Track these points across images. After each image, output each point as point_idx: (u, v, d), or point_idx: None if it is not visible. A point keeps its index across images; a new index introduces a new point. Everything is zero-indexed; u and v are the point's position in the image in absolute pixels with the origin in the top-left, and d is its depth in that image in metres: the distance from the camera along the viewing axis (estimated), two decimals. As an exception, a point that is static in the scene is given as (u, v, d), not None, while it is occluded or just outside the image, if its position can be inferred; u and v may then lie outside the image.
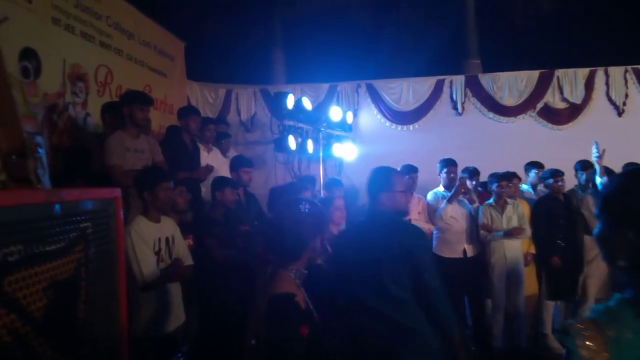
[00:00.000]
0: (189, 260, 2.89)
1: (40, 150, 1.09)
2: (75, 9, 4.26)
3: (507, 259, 4.27)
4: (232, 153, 5.28)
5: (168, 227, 2.83)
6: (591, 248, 4.42)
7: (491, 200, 4.45)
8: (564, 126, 6.29)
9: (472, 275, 4.43)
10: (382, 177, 2.38)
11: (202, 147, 4.45)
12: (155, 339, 2.55)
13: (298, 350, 1.37)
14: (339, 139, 6.16)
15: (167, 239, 2.78)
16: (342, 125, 6.15)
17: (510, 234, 4.23)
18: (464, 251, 4.44)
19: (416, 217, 4.52)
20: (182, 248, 2.90)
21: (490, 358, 4.29)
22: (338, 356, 1.64)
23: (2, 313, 0.68)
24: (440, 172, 4.69)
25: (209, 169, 4.00)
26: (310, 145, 5.41)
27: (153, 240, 2.67)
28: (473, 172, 4.93)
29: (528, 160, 5.20)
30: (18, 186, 1.15)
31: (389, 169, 2.46)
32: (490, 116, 6.39)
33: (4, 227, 0.70)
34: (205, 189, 4.11)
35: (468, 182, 4.82)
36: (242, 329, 1.81)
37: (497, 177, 4.43)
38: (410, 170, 4.72)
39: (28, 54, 3.63)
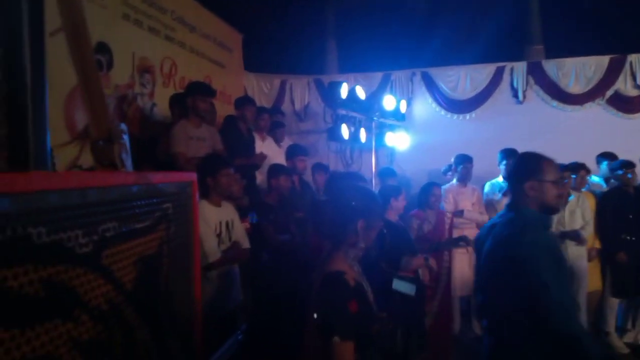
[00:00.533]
0: (246, 244, 3.03)
1: (124, 136, 1.20)
2: (143, 4, 4.51)
3: (568, 253, 4.09)
4: (286, 142, 5.40)
5: (228, 211, 2.98)
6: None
7: None
8: (637, 115, 5.87)
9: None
10: (530, 163, 2.00)
11: (257, 136, 4.58)
12: (216, 316, 2.71)
13: (344, 324, 1.43)
14: (391, 128, 6.12)
15: (227, 223, 2.93)
16: (396, 114, 6.09)
17: (566, 236, 4.04)
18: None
19: (469, 207, 4.43)
20: (241, 232, 3.04)
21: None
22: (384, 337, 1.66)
23: (101, 283, 0.78)
24: (500, 163, 4.55)
25: (263, 156, 4.13)
26: (363, 135, 5.42)
27: (214, 223, 2.82)
28: None
29: (595, 152, 4.93)
30: (104, 169, 1.29)
31: (539, 155, 2.04)
32: (554, 105, 6.08)
33: (102, 205, 0.79)
34: (261, 177, 4.25)
35: None
36: (293, 311, 1.91)
37: (561, 168, 4.22)
38: (464, 160, 4.61)
39: (101, 48, 3.89)
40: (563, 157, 4.68)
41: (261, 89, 6.85)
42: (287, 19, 7.81)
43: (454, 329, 4.41)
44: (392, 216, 3.23)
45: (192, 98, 3.59)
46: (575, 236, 4.05)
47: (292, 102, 6.79)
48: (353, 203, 1.62)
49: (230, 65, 6.33)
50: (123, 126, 1.32)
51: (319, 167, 4.73)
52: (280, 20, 7.80)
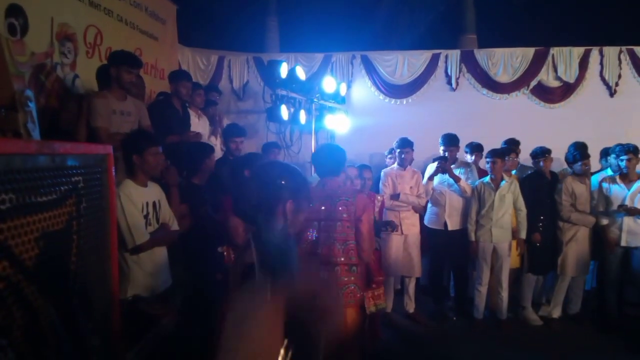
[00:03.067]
0: (175, 226, 2.91)
1: (30, 104, 1.07)
2: (63, -35, 4.11)
3: (493, 235, 4.35)
4: (225, 121, 5.25)
5: (155, 191, 2.84)
6: (568, 229, 4.50)
7: (487, 178, 4.48)
8: (557, 105, 6.32)
9: (456, 248, 4.54)
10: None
11: (192, 113, 4.40)
12: (145, 300, 2.59)
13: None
14: (331, 110, 6.13)
15: (154, 203, 2.79)
16: (336, 96, 6.11)
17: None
18: (445, 224, 4.57)
19: (407, 191, 4.55)
20: (168, 213, 2.91)
21: (471, 328, 4.44)
22: None
23: (-7, 259, 0.69)
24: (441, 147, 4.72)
25: (198, 135, 3.97)
26: (302, 116, 5.38)
27: (141, 203, 2.67)
28: (475, 148, 4.97)
29: (520, 138, 5.24)
30: (7, 139, 1.15)
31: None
32: (484, 92, 6.38)
33: (-4, 174, 0.70)
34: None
35: (468, 157, 4.90)
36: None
37: (492, 153, 4.46)
38: (405, 144, 4.69)
39: (14, 11, 3.51)
40: (492, 143, 4.99)
41: (197, 64, 6.57)
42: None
43: (387, 307, 4.56)
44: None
45: (116, 68, 3.32)
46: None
47: (230, 80, 6.59)
48: (281, 182, 1.46)
49: (163, 37, 5.98)
50: (29, 92, 1.18)
51: (271, 146, 4.63)
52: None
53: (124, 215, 2.52)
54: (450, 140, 4.67)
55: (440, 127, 5.93)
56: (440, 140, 4.75)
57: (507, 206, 4.36)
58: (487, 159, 4.42)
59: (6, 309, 0.71)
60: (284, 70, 5.00)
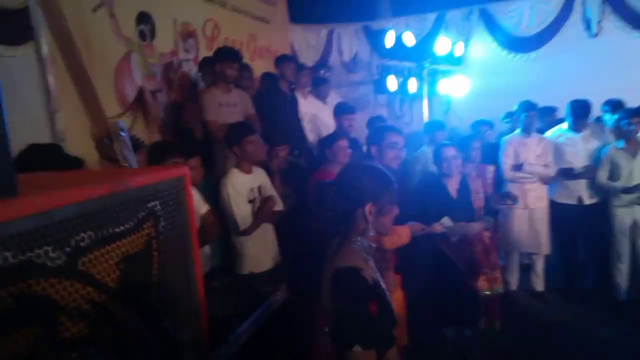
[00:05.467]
0: (279, 206, 3.11)
1: (122, 133, 1.25)
2: (180, -33, 4.49)
3: (634, 209, 3.75)
4: (334, 97, 5.31)
5: (259, 177, 3.08)
6: None
7: (621, 143, 3.85)
8: None
9: (590, 225, 4.02)
10: None
11: (298, 95, 4.54)
12: (258, 276, 2.87)
13: (365, 330, 1.27)
14: (446, 73, 5.77)
15: (259, 188, 3.02)
16: (450, 58, 5.72)
17: (630, 191, 3.67)
18: (580, 198, 4.05)
19: (532, 160, 4.10)
20: (273, 194, 3.12)
21: (611, 311, 3.95)
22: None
23: (79, 287, 0.85)
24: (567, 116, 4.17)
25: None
26: (412, 85, 5.18)
27: (247, 190, 2.93)
28: (616, 106, 4.29)
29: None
30: (109, 164, 1.37)
31: None
32: (635, 36, 5.35)
33: (74, 220, 0.85)
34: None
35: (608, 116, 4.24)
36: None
37: (628, 112, 3.79)
38: (527, 107, 4.17)
39: (143, 18, 3.98)
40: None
41: (308, 41, 6.70)
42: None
43: (511, 285, 4.30)
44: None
45: (220, 64, 3.61)
46: None
47: (340, 53, 6.59)
48: (359, 184, 1.43)
49: (274, 19, 6.21)
50: (122, 124, 1.37)
51: (375, 121, 4.53)
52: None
53: (230, 203, 2.83)
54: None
55: (576, 81, 5.21)
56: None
57: None
58: (625, 120, 3.77)
59: (94, 324, 0.88)
60: (389, 40, 4.85)
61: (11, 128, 2.37)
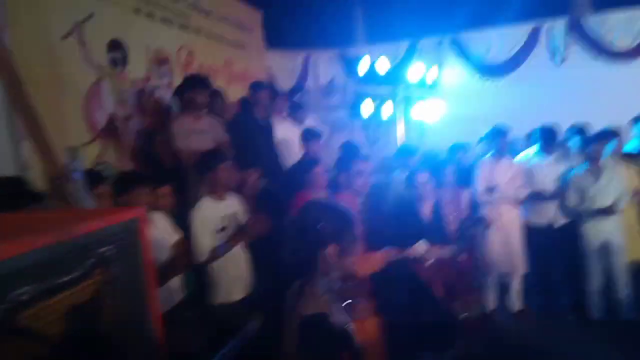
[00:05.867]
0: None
1: (76, 174, 1.22)
2: (154, -5, 4.50)
3: (601, 229, 3.85)
4: (311, 121, 5.34)
5: (233, 203, 3.05)
6: None
7: (585, 166, 3.97)
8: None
9: (562, 245, 4.10)
10: None
11: (275, 120, 4.55)
12: (229, 306, 2.81)
13: None
14: (420, 99, 5.88)
15: (233, 215, 3.00)
16: (423, 84, 5.84)
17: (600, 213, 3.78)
18: (550, 220, 4.16)
19: (505, 183, 4.15)
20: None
21: (588, 328, 3.99)
22: None
23: (20, 344, 0.80)
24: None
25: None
26: (385, 110, 5.25)
27: (218, 217, 2.90)
28: (580, 130, 4.42)
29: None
30: (61, 205, 1.34)
31: None
32: (598, 64, 5.57)
33: (15, 274, 0.81)
34: None
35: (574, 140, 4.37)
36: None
37: (595, 136, 3.92)
38: (499, 132, 4.26)
39: (115, 46, 3.95)
40: (607, 121, 4.38)
41: (284, 66, 6.76)
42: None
43: (489, 305, 4.31)
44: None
45: (188, 92, 3.60)
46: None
47: (316, 78, 6.67)
48: (319, 225, 1.38)
49: (250, 45, 6.25)
50: (75, 164, 1.34)
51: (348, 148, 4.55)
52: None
53: (194, 233, 2.82)
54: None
55: (544, 106, 5.39)
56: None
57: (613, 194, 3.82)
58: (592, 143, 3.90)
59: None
60: (363, 67, 4.93)
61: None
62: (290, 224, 1.47)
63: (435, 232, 3.12)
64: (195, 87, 3.63)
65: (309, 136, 4.00)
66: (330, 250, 1.38)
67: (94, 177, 2.27)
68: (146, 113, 4.21)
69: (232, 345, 2.36)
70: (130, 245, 1.12)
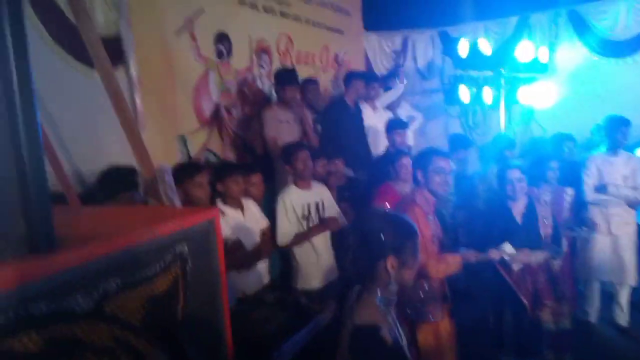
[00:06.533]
0: (338, 220, 3.19)
1: (166, 177, 1.40)
2: (257, -15, 4.71)
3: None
4: (405, 107, 5.25)
5: (318, 192, 3.19)
6: None
7: None
8: None
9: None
10: None
11: (367, 107, 4.56)
12: (309, 293, 2.98)
13: None
14: (528, 81, 5.41)
15: (317, 204, 3.12)
16: (534, 65, 5.33)
17: None
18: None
19: (619, 181, 3.68)
20: (333, 211, 3.22)
21: None
22: None
23: (104, 327, 0.99)
24: None
25: None
26: (487, 95, 4.94)
27: (302, 205, 3.07)
28: None
29: None
30: (155, 202, 1.55)
31: None
32: None
33: (103, 270, 0.99)
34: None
35: None
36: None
37: None
38: (617, 123, 3.73)
39: (221, 38, 4.27)
40: None
41: (382, 48, 6.66)
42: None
43: (590, 316, 3.95)
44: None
45: (279, 87, 3.78)
46: None
47: (415, 60, 6.48)
48: (382, 236, 1.37)
49: (349, 29, 6.26)
50: (166, 167, 1.52)
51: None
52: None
53: (278, 217, 3.03)
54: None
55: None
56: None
57: None
58: None
59: (118, 357, 1.02)
60: (463, 49, 4.67)
61: (102, 145, 2.71)
62: (351, 232, 1.48)
63: (525, 234, 2.91)
64: (283, 82, 3.84)
65: (394, 126, 3.95)
66: (390, 262, 1.38)
67: (192, 167, 2.55)
68: (247, 102, 4.51)
69: (303, 333, 2.50)
70: (205, 243, 1.28)
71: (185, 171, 2.54)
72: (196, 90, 4.01)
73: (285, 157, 3.12)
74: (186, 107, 3.91)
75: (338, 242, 2.74)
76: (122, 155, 2.79)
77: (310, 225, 3.08)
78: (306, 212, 3.05)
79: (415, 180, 2.45)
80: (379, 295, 1.39)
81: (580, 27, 5.48)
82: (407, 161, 3.29)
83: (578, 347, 3.47)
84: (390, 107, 4.97)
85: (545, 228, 3.04)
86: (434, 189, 2.34)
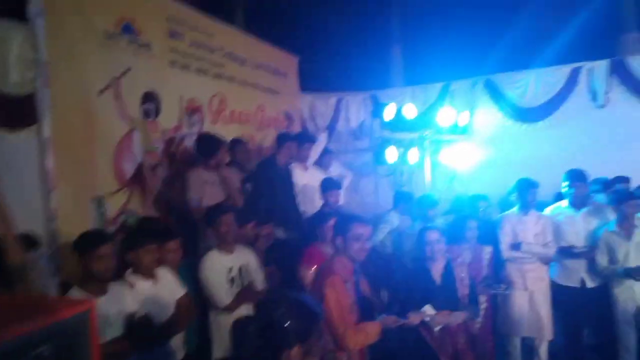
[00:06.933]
0: (260, 285, 3.11)
1: (40, 262, 1.32)
2: (191, 47, 4.77)
3: (635, 292, 3.54)
4: (336, 166, 5.38)
5: (241, 256, 3.11)
6: None
7: (612, 225, 3.69)
8: None
9: (594, 309, 3.78)
10: None
11: (298, 167, 4.62)
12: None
13: None
14: (450, 143, 5.77)
15: (240, 268, 3.04)
16: (454, 128, 5.73)
17: (631, 275, 3.48)
18: (582, 280, 3.84)
19: (531, 239, 3.91)
20: (258, 275, 3.13)
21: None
22: None
23: None
24: (566, 185, 4.03)
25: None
26: (412, 156, 5.19)
27: (226, 269, 2.98)
28: (607, 185, 4.17)
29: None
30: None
31: None
32: (644, 107, 5.25)
33: None
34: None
35: (601, 196, 4.13)
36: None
37: (626, 195, 3.65)
38: (527, 185, 4.02)
39: (149, 97, 4.21)
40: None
41: (317, 108, 6.89)
42: (345, 33, 7.77)
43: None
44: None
45: (201, 157, 3.79)
46: None
47: (347, 120, 6.73)
48: (286, 325, 1.32)
49: (284, 89, 6.44)
50: (37, 253, 1.44)
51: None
52: (338, 36, 7.78)
53: (207, 283, 2.91)
54: (577, 176, 3.94)
55: (584, 151, 5.13)
56: (564, 176, 4.04)
57: None
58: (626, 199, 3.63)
59: None
60: (389, 113, 4.93)
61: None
62: (253, 320, 1.41)
63: (444, 295, 2.97)
64: (205, 153, 3.83)
65: (327, 186, 4.02)
66: (294, 352, 1.32)
67: (96, 237, 2.40)
68: (174, 161, 4.42)
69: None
70: (77, 340, 1.17)
71: (87, 241, 2.38)
72: (118, 150, 3.88)
73: (208, 220, 3.05)
74: (106, 168, 3.76)
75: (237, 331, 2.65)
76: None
77: (236, 289, 2.98)
78: (230, 276, 2.96)
79: (334, 246, 2.46)
80: None
81: (495, 94, 5.99)
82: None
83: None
84: (322, 165, 5.06)
85: (463, 289, 3.11)
86: (352, 255, 2.35)
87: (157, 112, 4.31)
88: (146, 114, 4.19)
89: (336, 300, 2.23)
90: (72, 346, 1.17)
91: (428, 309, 2.82)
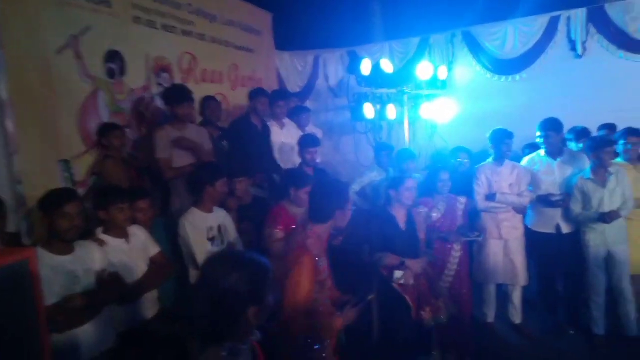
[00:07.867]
0: (239, 246, 3.08)
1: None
2: (155, 3, 4.55)
3: (607, 237, 3.61)
4: (312, 128, 5.28)
5: (220, 216, 3.09)
6: None
7: (588, 171, 3.72)
8: None
9: (568, 254, 3.86)
10: None
11: (274, 125, 4.53)
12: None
13: None
14: (430, 98, 5.70)
15: (219, 227, 3.01)
16: (434, 83, 5.65)
17: (604, 219, 3.54)
18: (558, 227, 3.89)
19: (506, 189, 3.94)
20: (233, 234, 3.11)
21: (590, 345, 3.76)
22: None
23: None
24: (540, 135, 4.02)
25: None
26: (391, 111, 5.12)
27: (206, 227, 2.94)
28: (580, 134, 4.18)
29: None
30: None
31: None
32: (621, 55, 5.19)
33: None
34: None
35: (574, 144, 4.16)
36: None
37: (602, 141, 3.65)
38: (501, 136, 4.00)
39: (112, 56, 4.04)
40: (630, 116, 4.11)
41: (295, 67, 6.72)
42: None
43: (488, 317, 4.15)
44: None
45: (170, 106, 3.62)
46: (614, 215, 3.55)
47: (327, 78, 6.59)
48: (237, 288, 1.23)
49: (259, 48, 6.25)
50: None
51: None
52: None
53: (189, 240, 2.87)
54: (550, 126, 3.93)
55: (563, 102, 5.11)
56: (538, 125, 4.02)
57: (619, 202, 3.61)
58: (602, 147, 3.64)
59: None
60: (365, 68, 4.81)
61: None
62: (200, 294, 1.29)
63: (408, 240, 3.09)
64: (172, 101, 3.66)
65: (305, 143, 3.94)
66: (252, 312, 1.26)
67: (62, 195, 2.32)
68: (144, 122, 4.29)
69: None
70: (16, 289, 1.13)
71: (53, 200, 2.30)
72: (83, 111, 3.74)
73: (203, 180, 2.97)
74: (71, 130, 3.63)
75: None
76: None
77: (217, 248, 2.95)
78: (211, 235, 2.93)
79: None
80: (233, 348, 1.26)
81: (474, 47, 5.87)
82: (308, 189, 3.08)
83: (478, 348, 3.63)
84: (300, 123, 4.97)
85: (420, 234, 3.23)
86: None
87: (122, 72, 4.14)
88: (110, 74, 4.03)
89: (297, 282, 2.13)
90: (10, 293, 1.12)
91: (398, 274, 2.90)
